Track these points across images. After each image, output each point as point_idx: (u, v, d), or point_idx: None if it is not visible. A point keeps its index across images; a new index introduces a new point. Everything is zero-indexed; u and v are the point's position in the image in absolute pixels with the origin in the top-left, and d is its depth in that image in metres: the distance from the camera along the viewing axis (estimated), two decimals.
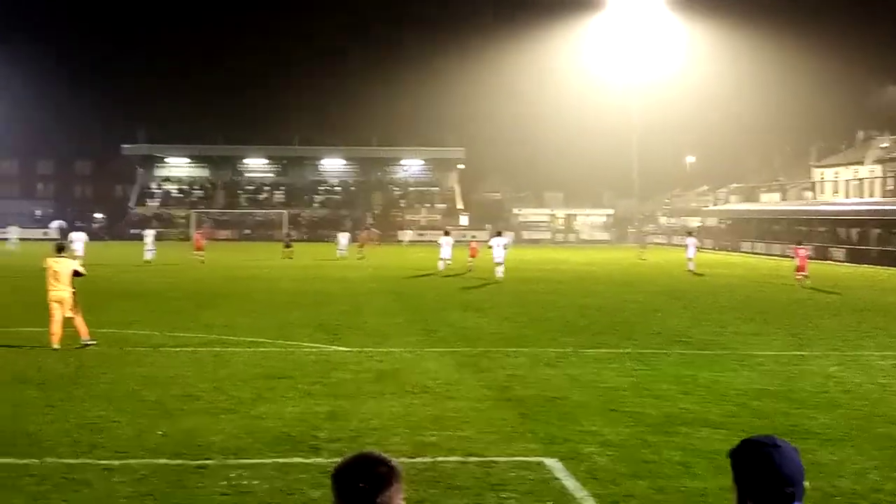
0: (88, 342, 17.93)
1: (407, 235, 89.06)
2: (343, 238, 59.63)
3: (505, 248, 41.08)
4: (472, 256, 44.79)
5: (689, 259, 47.17)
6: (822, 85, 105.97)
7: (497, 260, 40.14)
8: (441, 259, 44.16)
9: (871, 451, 10.63)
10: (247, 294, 31.72)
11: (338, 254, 57.05)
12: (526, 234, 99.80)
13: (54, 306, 18.02)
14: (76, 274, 18.48)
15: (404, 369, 15.95)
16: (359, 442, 10.67)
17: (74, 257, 20.50)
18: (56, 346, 17.69)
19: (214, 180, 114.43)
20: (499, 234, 44.29)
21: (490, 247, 41.53)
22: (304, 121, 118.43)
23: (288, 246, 57.88)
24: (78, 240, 46.26)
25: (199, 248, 51.44)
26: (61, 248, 19.28)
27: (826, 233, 70.96)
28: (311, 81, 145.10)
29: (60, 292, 18.10)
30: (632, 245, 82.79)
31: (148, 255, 49.93)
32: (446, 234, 46.81)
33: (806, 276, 37.42)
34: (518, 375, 15.45)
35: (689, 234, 52.50)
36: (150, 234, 52.09)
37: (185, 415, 12.16)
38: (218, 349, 18.20)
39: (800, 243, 41.95)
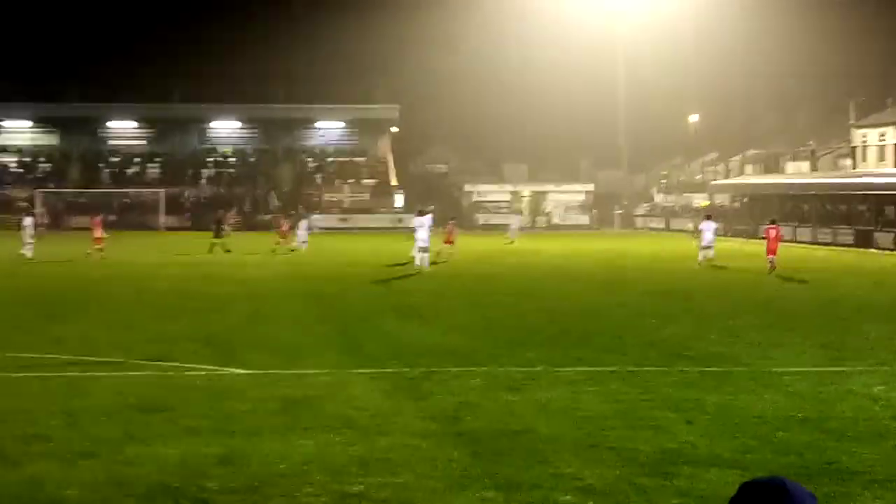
0: None
1: (318, 221, 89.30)
2: (303, 225, 59.30)
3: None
4: (449, 243, 46.80)
5: (705, 248, 47.41)
6: (864, 22, 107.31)
7: (421, 245, 42.19)
8: (419, 249, 43.08)
9: None
10: (110, 298, 31.39)
11: (297, 244, 56.48)
12: (481, 219, 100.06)
13: None
14: None
15: (321, 397, 15.92)
16: (261, 493, 10.63)
17: None
18: None
19: (67, 150, 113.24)
20: (420, 212, 45.47)
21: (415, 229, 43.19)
22: (186, 70, 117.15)
23: (219, 234, 56.07)
24: None
25: (97, 240, 51.16)
26: None
27: (869, 212, 71.77)
28: (195, 16, 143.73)
29: None
30: (680, 231, 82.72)
31: (27, 251, 49.05)
32: (421, 213, 45.53)
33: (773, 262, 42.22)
34: (470, 403, 15.46)
35: (708, 217, 53.11)
36: (28, 222, 51.54)
37: (28, 460, 12.03)
38: (72, 373, 18.01)
39: (773, 221, 46.86)
